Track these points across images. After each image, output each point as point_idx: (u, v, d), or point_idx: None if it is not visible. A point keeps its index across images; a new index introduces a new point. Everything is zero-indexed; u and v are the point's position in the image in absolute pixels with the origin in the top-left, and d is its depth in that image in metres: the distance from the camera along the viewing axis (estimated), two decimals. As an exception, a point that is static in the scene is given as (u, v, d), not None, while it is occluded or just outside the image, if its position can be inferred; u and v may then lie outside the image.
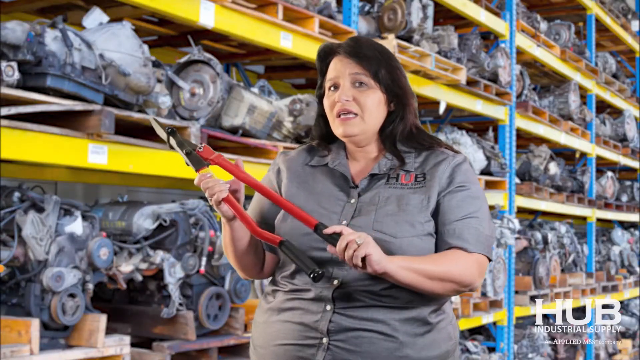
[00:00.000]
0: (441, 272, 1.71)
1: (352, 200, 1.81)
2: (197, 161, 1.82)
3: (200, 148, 1.83)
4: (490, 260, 1.80)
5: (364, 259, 1.62)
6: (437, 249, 1.77)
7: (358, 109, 1.82)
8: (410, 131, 1.87)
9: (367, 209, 1.78)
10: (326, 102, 1.88)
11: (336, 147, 1.92)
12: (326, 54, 1.90)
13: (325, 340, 1.72)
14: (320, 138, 1.94)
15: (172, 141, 1.87)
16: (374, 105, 1.83)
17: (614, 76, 9.58)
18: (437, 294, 1.75)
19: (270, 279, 1.92)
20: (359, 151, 1.89)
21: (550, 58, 7.56)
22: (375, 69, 1.83)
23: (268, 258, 1.91)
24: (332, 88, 1.86)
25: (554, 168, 7.77)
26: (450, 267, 1.72)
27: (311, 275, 1.63)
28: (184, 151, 1.83)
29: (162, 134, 1.89)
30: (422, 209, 1.76)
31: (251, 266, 1.90)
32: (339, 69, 1.85)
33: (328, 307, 1.73)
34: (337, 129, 1.85)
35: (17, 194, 3.35)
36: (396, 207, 1.76)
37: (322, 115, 1.92)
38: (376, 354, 1.71)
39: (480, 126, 7.53)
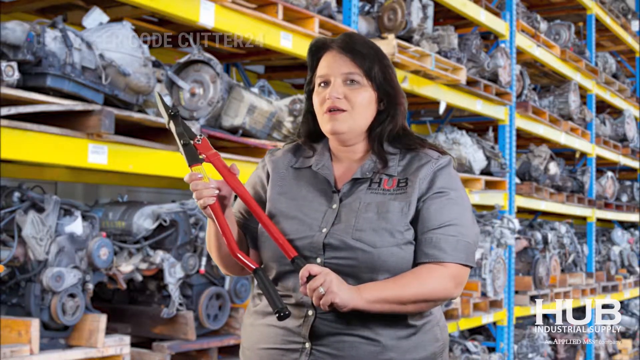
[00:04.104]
0: (413, 295, 1.69)
1: (334, 206, 1.78)
2: (192, 156, 1.75)
3: (199, 140, 1.78)
4: (471, 267, 1.77)
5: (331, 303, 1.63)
6: (415, 256, 1.74)
7: (348, 106, 1.79)
8: (397, 132, 1.84)
9: (347, 215, 1.75)
10: (316, 99, 1.84)
11: (321, 147, 1.89)
12: (318, 49, 1.87)
13: (307, 345, 1.72)
14: (307, 135, 1.91)
15: (172, 126, 1.80)
16: (365, 103, 1.80)
17: (614, 76, 9.58)
18: (413, 313, 1.74)
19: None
20: (344, 151, 1.86)
21: (550, 58, 7.56)
22: (368, 66, 1.80)
23: (252, 255, 1.87)
24: (322, 84, 1.83)
25: (554, 168, 7.77)
26: (422, 288, 1.69)
27: (276, 314, 1.63)
28: (181, 141, 1.77)
29: (164, 114, 1.83)
30: (402, 216, 1.73)
31: (234, 263, 1.84)
32: (331, 65, 1.82)
33: (310, 312, 1.72)
34: (326, 125, 1.81)
35: (17, 194, 3.34)
36: (376, 215, 1.73)
37: (310, 112, 1.89)
38: (359, 358, 1.70)
39: (480, 126, 7.52)
